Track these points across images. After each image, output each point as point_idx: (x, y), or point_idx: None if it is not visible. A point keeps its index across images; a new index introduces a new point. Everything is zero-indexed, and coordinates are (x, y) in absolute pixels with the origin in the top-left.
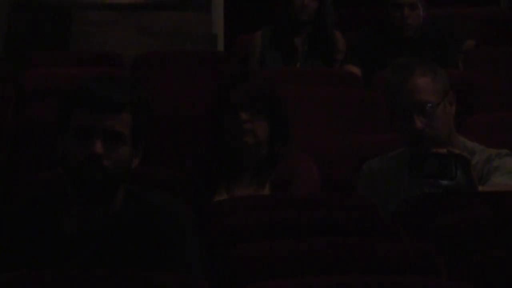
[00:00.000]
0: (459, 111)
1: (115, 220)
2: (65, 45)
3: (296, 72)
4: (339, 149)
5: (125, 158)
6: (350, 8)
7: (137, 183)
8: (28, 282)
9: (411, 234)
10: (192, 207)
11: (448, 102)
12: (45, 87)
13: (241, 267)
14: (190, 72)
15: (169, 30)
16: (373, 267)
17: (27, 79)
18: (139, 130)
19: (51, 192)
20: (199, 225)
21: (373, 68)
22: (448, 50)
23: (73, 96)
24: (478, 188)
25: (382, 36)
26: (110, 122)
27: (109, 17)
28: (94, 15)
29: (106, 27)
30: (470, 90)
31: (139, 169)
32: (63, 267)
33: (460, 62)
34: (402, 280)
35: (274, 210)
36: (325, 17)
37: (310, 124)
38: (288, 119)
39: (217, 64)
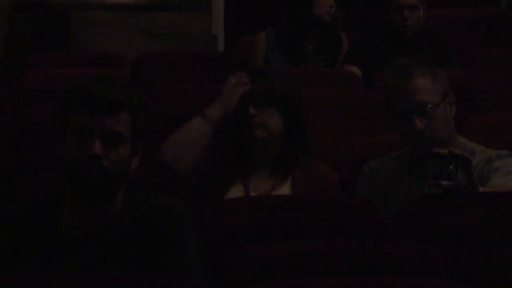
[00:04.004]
0: (459, 112)
1: (115, 221)
2: (65, 46)
3: (296, 74)
4: (339, 150)
5: (125, 158)
6: (350, 9)
7: (137, 184)
8: (28, 283)
9: (411, 235)
10: (193, 208)
11: (448, 103)
12: (45, 88)
13: (243, 268)
14: (190, 72)
15: (169, 31)
16: (374, 267)
17: (27, 80)
18: (138, 130)
19: (51, 193)
20: (201, 226)
21: (373, 69)
22: (448, 51)
23: (72, 97)
24: (479, 189)
25: (382, 37)
26: (109, 123)
27: (109, 17)
28: (94, 15)
29: (106, 28)
30: (470, 91)
31: (139, 170)
32: (63, 268)
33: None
34: (403, 281)
35: (275, 211)
36: (337, 18)
37: (310, 125)
38: (306, 118)
39: (217, 64)
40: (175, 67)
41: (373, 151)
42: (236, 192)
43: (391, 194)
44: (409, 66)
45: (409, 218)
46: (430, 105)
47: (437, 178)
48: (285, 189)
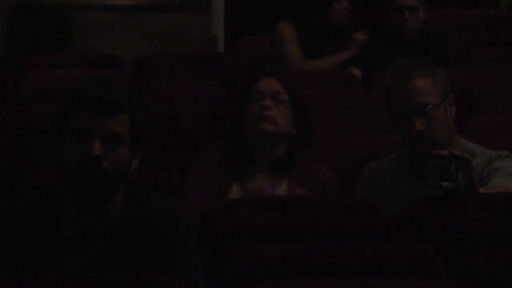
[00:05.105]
0: (459, 113)
1: (114, 221)
2: (65, 47)
3: (296, 74)
4: (339, 150)
5: (124, 159)
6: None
7: (137, 185)
8: (28, 283)
9: (411, 236)
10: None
11: (448, 104)
12: (45, 89)
13: (243, 269)
14: (190, 73)
15: (169, 32)
16: (374, 268)
17: (27, 81)
18: (137, 131)
19: (51, 193)
20: (202, 227)
21: (373, 70)
22: (448, 52)
23: (72, 98)
24: (479, 190)
25: (382, 38)
26: (109, 123)
27: (109, 19)
28: (94, 16)
29: (106, 29)
30: (470, 91)
31: (139, 171)
32: (63, 269)
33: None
34: (402, 281)
35: (275, 211)
36: (349, 20)
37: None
38: (310, 121)
39: (218, 65)
40: (176, 68)
41: (373, 152)
42: (234, 191)
43: (391, 195)
44: (409, 67)
45: (409, 219)
46: (430, 106)
47: (437, 179)
48: (282, 189)
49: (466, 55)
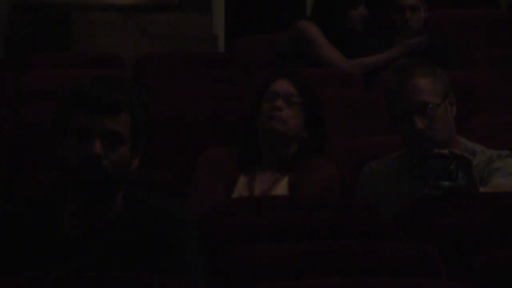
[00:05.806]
0: (459, 112)
1: (115, 221)
2: (65, 47)
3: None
4: (340, 150)
5: (124, 158)
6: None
7: (137, 184)
8: (28, 284)
9: (411, 235)
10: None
11: (449, 103)
12: (45, 88)
13: (243, 269)
14: (191, 73)
15: (169, 32)
16: (374, 268)
17: (27, 81)
18: (138, 130)
19: (51, 193)
20: (202, 227)
21: (374, 70)
22: (448, 52)
23: (72, 98)
24: (479, 189)
25: (383, 37)
26: (109, 123)
27: (109, 18)
28: (94, 16)
29: (106, 29)
30: (470, 91)
31: (139, 172)
32: (63, 269)
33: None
34: (402, 282)
35: (275, 211)
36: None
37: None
38: (324, 126)
39: (218, 65)
40: (176, 68)
41: (373, 151)
42: (241, 183)
43: (391, 195)
44: (410, 66)
45: (409, 218)
46: (430, 106)
47: (438, 179)
48: (283, 185)
49: (466, 55)
